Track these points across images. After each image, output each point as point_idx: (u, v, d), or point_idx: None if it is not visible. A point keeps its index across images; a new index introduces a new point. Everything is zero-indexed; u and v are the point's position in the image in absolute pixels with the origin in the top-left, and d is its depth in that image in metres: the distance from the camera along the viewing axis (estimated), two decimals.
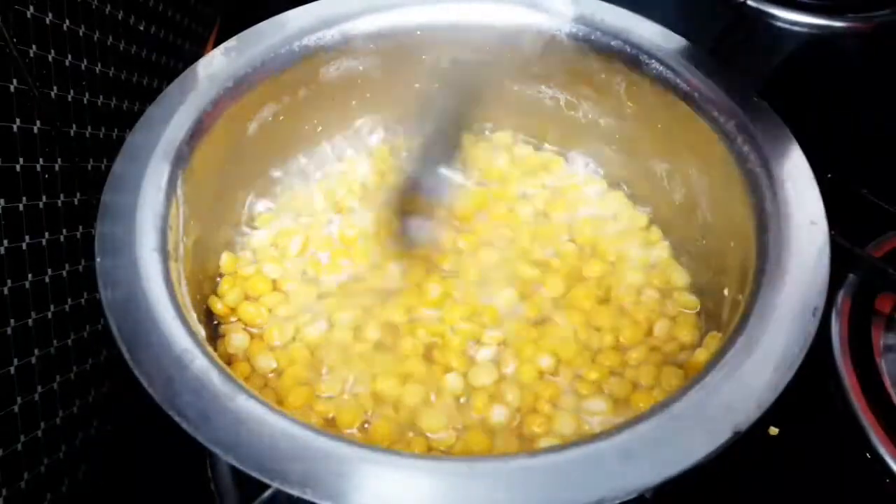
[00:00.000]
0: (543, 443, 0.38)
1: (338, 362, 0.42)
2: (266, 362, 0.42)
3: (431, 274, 0.45)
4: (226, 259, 0.45)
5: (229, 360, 0.42)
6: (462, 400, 0.41)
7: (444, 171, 0.45)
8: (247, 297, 0.44)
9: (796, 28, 0.53)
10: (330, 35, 0.44)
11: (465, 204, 0.48)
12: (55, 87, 0.43)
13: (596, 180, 0.51)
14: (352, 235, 0.47)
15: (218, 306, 0.43)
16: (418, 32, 0.46)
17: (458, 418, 0.40)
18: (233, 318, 0.44)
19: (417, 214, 0.45)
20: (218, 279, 0.45)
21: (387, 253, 0.46)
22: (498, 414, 0.39)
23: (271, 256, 0.46)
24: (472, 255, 0.46)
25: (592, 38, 0.45)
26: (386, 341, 0.43)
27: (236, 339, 0.42)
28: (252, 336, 0.43)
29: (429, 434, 0.39)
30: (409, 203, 0.45)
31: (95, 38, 0.48)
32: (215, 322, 0.44)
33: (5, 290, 0.39)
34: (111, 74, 0.50)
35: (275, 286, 0.45)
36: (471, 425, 0.39)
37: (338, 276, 0.46)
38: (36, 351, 0.42)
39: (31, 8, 0.41)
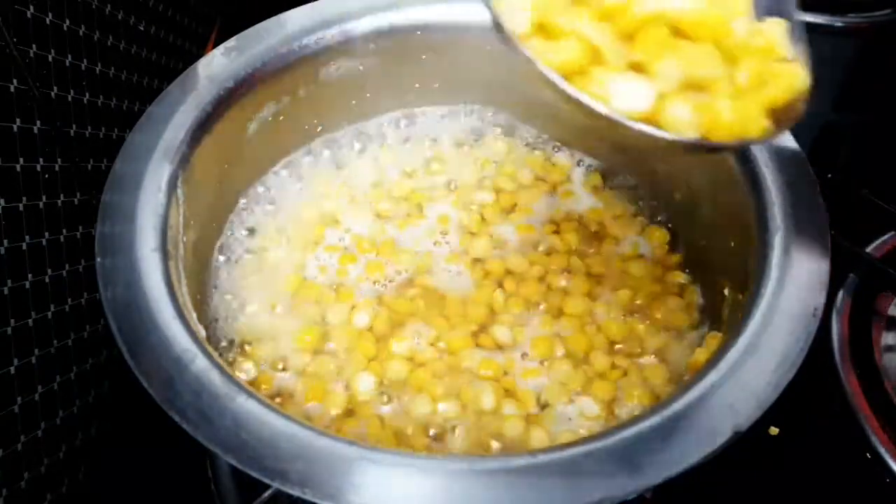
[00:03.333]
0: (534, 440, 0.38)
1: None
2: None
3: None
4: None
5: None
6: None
7: None
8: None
9: None
10: (330, 35, 0.44)
11: None
12: (55, 87, 0.43)
13: (596, 179, 0.51)
14: (364, 237, 0.47)
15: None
16: (418, 33, 0.46)
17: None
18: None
19: None
20: (215, 281, 0.45)
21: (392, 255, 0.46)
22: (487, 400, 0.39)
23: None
24: None
25: None
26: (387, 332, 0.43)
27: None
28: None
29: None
30: None
31: (95, 38, 0.48)
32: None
33: (5, 290, 0.39)
34: (111, 74, 0.51)
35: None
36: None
37: (346, 280, 0.45)
38: (36, 351, 0.42)
39: (31, 8, 0.41)
